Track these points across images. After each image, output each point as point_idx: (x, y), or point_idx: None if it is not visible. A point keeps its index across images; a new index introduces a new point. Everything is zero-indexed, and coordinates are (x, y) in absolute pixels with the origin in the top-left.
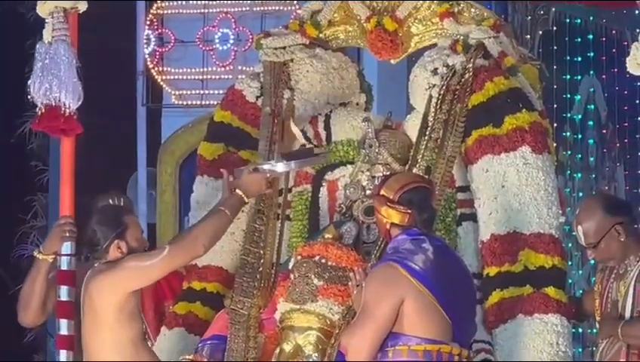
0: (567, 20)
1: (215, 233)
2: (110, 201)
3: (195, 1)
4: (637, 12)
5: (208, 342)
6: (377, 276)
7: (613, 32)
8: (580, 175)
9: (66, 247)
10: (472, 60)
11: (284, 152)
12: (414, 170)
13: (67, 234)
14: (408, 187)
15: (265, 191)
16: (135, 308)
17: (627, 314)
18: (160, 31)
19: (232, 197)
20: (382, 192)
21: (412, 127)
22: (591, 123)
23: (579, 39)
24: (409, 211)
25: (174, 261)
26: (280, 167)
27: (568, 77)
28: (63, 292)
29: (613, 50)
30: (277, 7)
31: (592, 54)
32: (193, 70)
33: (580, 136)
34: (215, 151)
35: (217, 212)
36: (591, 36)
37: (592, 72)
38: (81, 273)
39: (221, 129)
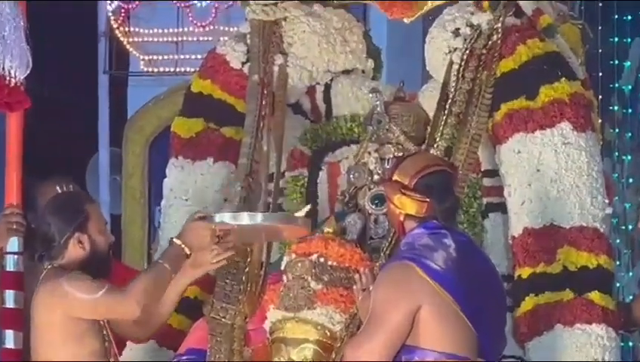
0: None
1: (152, 290)
2: (58, 189)
3: None
4: None
5: (184, 358)
6: (388, 277)
7: None
8: (629, 157)
9: (13, 244)
10: (500, 19)
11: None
12: (432, 151)
13: (14, 228)
14: (426, 171)
15: (212, 248)
16: (87, 329)
17: None
18: None
19: (170, 247)
20: (394, 177)
21: (429, 98)
22: None
23: None
24: (427, 200)
25: (101, 310)
26: (234, 218)
27: (616, 39)
28: (9, 298)
29: None
30: None
31: None
32: (166, 31)
33: (629, 111)
34: (192, 127)
35: (155, 265)
36: None
37: None
38: (35, 276)
39: (200, 101)
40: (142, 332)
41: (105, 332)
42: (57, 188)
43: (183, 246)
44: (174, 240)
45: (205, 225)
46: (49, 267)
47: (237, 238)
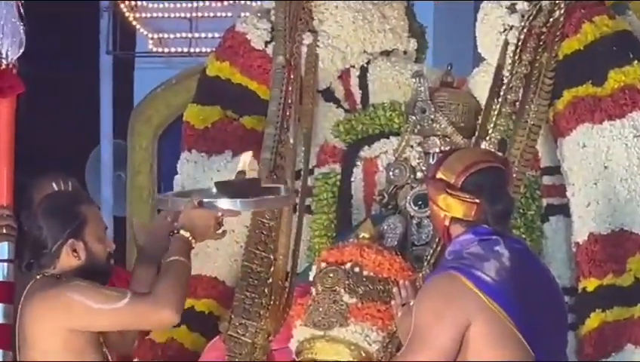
0: None
1: (183, 292)
2: (54, 187)
3: None
4: None
5: None
6: (433, 290)
7: None
8: None
9: (2, 250)
10: None
11: (227, 183)
12: (484, 145)
13: (4, 231)
14: (475, 167)
15: (214, 238)
16: (88, 342)
17: None
18: None
19: (176, 241)
20: (439, 175)
21: (481, 84)
22: None
23: None
24: (477, 201)
25: (128, 322)
26: (235, 204)
27: None
28: None
29: None
30: None
31: None
32: (178, 5)
33: None
34: (208, 116)
35: (173, 264)
36: None
37: None
38: (20, 287)
39: (216, 86)
40: (126, 341)
41: (104, 350)
42: (54, 185)
43: (189, 237)
44: (181, 232)
45: (211, 214)
46: (38, 277)
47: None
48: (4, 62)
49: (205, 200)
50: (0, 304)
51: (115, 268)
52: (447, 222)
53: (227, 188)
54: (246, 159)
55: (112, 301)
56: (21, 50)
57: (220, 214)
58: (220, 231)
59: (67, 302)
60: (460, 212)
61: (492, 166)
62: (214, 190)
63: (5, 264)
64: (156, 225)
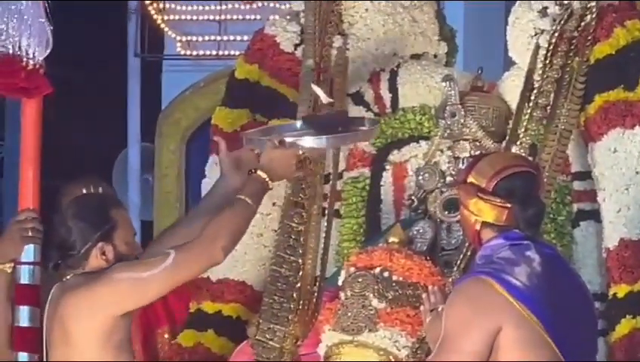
0: None
1: (237, 231)
2: (84, 191)
3: None
4: None
5: None
6: (462, 295)
7: None
8: None
9: (29, 253)
10: None
11: (313, 117)
12: (514, 149)
13: (30, 235)
14: (506, 172)
15: (295, 175)
16: (125, 337)
17: None
18: None
19: (251, 181)
20: (470, 179)
21: (511, 88)
22: None
23: None
24: (508, 205)
25: (182, 273)
26: (320, 141)
27: None
28: (24, 315)
29: None
30: None
31: None
32: (207, 8)
33: None
34: (236, 120)
35: (236, 202)
36: None
37: None
38: (47, 288)
39: (245, 89)
40: None
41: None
42: (84, 190)
43: (267, 179)
44: (259, 172)
45: (292, 153)
46: (68, 277)
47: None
48: (31, 62)
49: (288, 139)
50: (26, 307)
51: None
52: (477, 227)
53: (315, 122)
54: (321, 93)
55: (159, 264)
56: (48, 51)
57: (301, 152)
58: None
59: (110, 283)
60: (492, 216)
61: (523, 170)
62: (299, 123)
63: (32, 267)
64: (243, 155)
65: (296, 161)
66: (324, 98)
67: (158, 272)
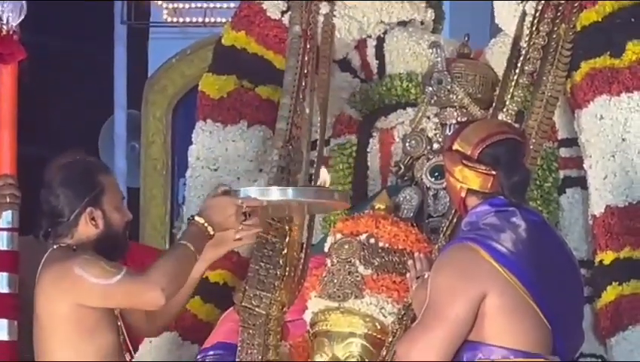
0: None
1: (177, 275)
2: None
3: None
4: None
5: (211, 353)
6: (448, 261)
7: None
8: None
9: (6, 219)
10: None
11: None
12: (501, 116)
13: (8, 201)
14: (492, 139)
15: (238, 228)
16: (97, 317)
17: None
18: None
19: (191, 226)
20: (456, 146)
21: (498, 55)
22: None
23: None
24: (493, 172)
25: (116, 298)
26: (262, 193)
27: None
28: (2, 282)
29: None
30: None
31: None
32: None
33: None
34: (223, 86)
35: (178, 247)
36: None
37: None
38: (38, 256)
39: (232, 56)
40: (153, 326)
41: (119, 324)
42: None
43: (206, 225)
44: (196, 218)
45: (230, 201)
46: (55, 247)
47: (266, 215)
48: (5, 28)
49: (234, 189)
50: (5, 273)
51: (132, 244)
52: (463, 194)
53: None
54: (325, 177)
55: (107, 276)
56: (22, 16)
57: (240, 202)
58: (247, 221)
59: (73, 277)
60: (477, 183)
61: (509, 138)
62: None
63: (9, 233)
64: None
65: (235, 211)
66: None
67: (101, 286)
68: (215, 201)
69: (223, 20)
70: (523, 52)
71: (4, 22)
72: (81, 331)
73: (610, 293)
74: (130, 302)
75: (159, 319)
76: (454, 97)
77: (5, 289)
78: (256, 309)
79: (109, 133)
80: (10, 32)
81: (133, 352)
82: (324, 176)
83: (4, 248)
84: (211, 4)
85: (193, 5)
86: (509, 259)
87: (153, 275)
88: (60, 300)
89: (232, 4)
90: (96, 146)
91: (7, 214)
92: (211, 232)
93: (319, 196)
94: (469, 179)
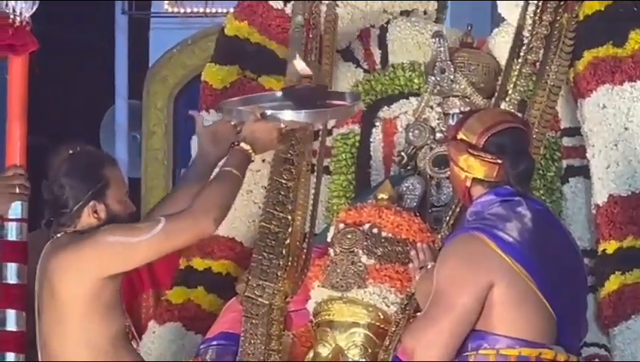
0: None
1: (226, 203)
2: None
3: None
4: None
5: (214, 343)
6: (454, 251)
7: None
8: None
9: (15, 209)
10: None
11: (293, 89)
12: (503, 105)
13: (17, 191)
14: (497, 128)
15: (277, 148)
16: (114, 297)
17: None
18: None
19: (235, 153)
20: (459, 135)
21: (500, 45)
22: None
23: None
24: (499, 161)
25: (170, 242)
26: (299, 116)
27: None
28: (11, 272)
29: None
30: None
31: None
32: None
33: None
34: (226, 76)
35: (224, 174)
36: None
37: None
38: (38, 245)
39: (234, 46)
40: None
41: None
42: (71, 152)
43: (250, 150)
44: (242, 144)
45: (273, 125)
46: (58, 235)
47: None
48: (18, 19)
49: (268, 112)
50: (14, 264)
51: None
52: (468, 183)
53: (294, 95)
54: (300, 64)
55: (149, 230)
56: (34, 8)
57: (283, 126)
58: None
59: (98, 245)
60: (482, 173)
61: (513, 126)
62: (279, 94)
63: (19, 223)
64: (220, 128)
65: (277, 134)
66: (302, 70)
67: (147, 238)
68: (258, 126)
69: (224, 10)
70: (526, 41)
71: (18, 13)
72: (97, 314)
73: (613, 282)
74: (184, 240)
75: None
76: (457, 87)
77: (14, 280)
78: (259, 299)
79: (110, 123)
80: (24, 23)
81: (138, 339)
82: (299, 64)
83: (13, 238)
84: None
85: None
86: (515, 249)
87: (203, 205)
88: (82, 277)
89: None
90: (97, 136)
91: (17, 205)
92: (253, 157)
93: (341, 113)
94: (474, 168)
